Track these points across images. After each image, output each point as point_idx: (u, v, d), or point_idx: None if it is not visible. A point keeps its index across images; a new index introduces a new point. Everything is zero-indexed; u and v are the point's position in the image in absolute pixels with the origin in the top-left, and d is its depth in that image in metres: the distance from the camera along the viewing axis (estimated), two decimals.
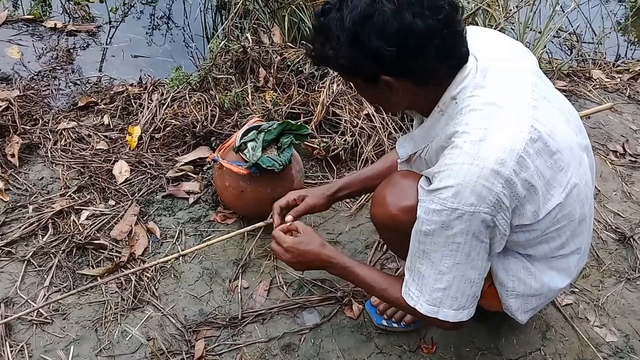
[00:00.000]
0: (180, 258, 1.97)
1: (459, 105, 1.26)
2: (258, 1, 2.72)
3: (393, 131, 2.38)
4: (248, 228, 1.94)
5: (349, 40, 1.18)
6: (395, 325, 1.81)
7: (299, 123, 2.01)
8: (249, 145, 1.92)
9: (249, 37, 2.53)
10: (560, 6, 3.13)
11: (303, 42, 1.31)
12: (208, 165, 2.29)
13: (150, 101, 2.63)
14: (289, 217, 1.67)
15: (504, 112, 1.24)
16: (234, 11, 2.71)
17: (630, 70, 3.16)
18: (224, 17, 3.35)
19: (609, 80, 3.04)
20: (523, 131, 1.22)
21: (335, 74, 2.43)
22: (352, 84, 1.36)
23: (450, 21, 1.19)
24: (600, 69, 3.14)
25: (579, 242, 1.43)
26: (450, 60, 1.25)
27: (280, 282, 1.94)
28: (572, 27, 3.38)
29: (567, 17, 3.23)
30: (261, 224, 1.91)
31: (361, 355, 1.76)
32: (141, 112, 2.60)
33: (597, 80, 3.02)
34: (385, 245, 2.04)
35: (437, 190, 1.23)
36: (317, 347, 1.78)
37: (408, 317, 1.80)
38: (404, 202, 1.37)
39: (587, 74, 3.07)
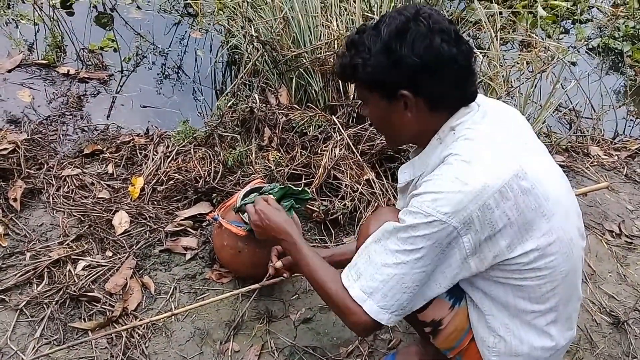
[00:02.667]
0: (173, 316, 1.96)
1: (456, 135, 1.36)
2: (267, 63, 2.80)
3: (392, 198, 2.40)
4: (243, 289, 1.95)
5: (381, 48, 1.31)
6: None
7: (300, 188, 2.03)
8: (249, 207, 1.94)
9: (257, 97, 2.58)
10: (561, 83, 3.21)
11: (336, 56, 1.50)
12: (207, 222, 2.30)
13: (155, 153, 2.68)
14: (279, 264, 1.78)
15: (497, 145, 1.34)
16: (244, 70, 2.78)
17: (628, 149, 3.22)
18: (233, 72, 3.45)
19: (607, 157, 3.09)
20: (512, 167, 1.30)
21: (339, 137, 2.48)
22: (366, 104, 1.45)
23: (469, 57, 1.35)
24: (598, 146, 3.20)
25: (558, 301, 1.42)
26: (461, 92, 1.37)
27: (272, 347, 1.93)
28: (572, 103, 3.46)
29: (567, 93, 3.31)
30: (256, 285, 1.92)
31: None
32: (145, 163, 2.64)
33: (595, 157, 3.07)
34: None
35: (420, 195, 1.31)
36: None
37: None
38: None
39: (585, 150, 3.13)
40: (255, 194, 2.01)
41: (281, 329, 1.99)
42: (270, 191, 2.00)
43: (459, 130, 1.36)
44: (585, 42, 4.21)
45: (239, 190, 2.33)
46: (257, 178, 2.15)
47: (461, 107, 1.38)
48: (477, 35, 3.86)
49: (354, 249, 1.56)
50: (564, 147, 3.08)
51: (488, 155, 1.31)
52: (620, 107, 3.65)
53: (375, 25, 1.36)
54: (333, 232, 2.32)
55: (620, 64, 4.12)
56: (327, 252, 1.82)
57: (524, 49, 3.73)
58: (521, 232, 1.31)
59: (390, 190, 2.41)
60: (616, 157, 3.10)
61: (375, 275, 1.35)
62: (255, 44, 2.78)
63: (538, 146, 1.47)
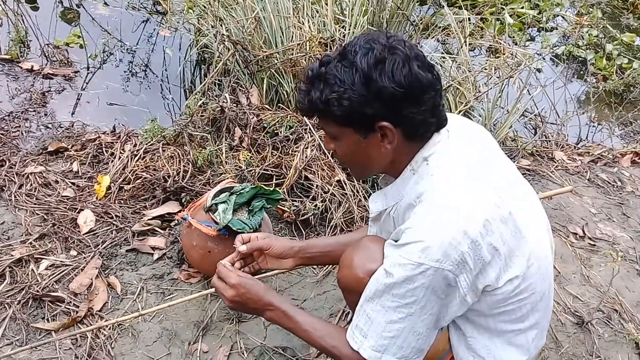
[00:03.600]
0: (140, 316, 1.92)
1: (430, 165, 1.33)
2: (239, 62, 2.78)
3: (363, 199, 2.41)
4: (212, 290, 1.92)
5: (362, 80, 1.25)
6: None
7: (271, 188, 2.02)
8: (220, 207, 1.92)
9: (227, 97, 2.56)
10: (527, 89, 3.28)
11: (297, 90, 1.36)
12: (176, 222, 2.27)
13: (122, 151, 2.63)
14: (242, 248, 1.63)
15: (472, 175, 1.32)
16: (214, 69, 2.75)
17: (591, 154, 3.30)
18: (203, 72, 3.41)
19: (571, 162, 3.17)
20: (490, 197, 1.30)
21: (311, 138, 2.48)
22: (335, 139, 1.37)
23: (439, 82, 1.32)
24: (562, 151, 3.28)
25: (538, 318, 1.45)
26: (436, 119, 1.33)
27: (241, 348, 1.91)
28: (537, 109, 3.53)
29: (532, 99, 3.38)
30: None
31: None
32: (112, 161, 2.59)
33: (559, 161, 3.14)
34: (349, 315, 2.03)
35: (405, 245, 1.27)
36: None
37: None
38: (370, 265, 1.38)
39: (550, 155, 3.20)
40: (226, 193, 1.99)
41: (251, 329, 1.97)
42: (241, 191, 1.99)
43: (432, 161, 1.33)
44: (551, 49, 4.31)
45: (208, 190, 2.31)
46: (228, 178, 2.13)
47: (434, 134, 1.35)
48: (446, 40, 3.90)
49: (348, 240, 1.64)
50: (529, 151, 3.14)
51: (466, 189, 1.30)
52: (583, 113, 3.74)
53: (341, 56, 1.28)
54: (304, 232, 2.31)
55: (583, 72, 4.22)
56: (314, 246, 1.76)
57: (492, 55, 3.79)
58: (506, 260, 1.30)
59: (361, 191, 2.42)
60: (579, 162, 3.18)
61: (384, 334, 1.33)
62: (226, 43, 2.76)
63: (505, 162, 1.46)
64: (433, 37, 3.67)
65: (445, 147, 1.34)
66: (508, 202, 1.33)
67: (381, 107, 1.26)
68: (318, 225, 2.34)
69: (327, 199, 2.35)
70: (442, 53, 3.39)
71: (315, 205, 2.31)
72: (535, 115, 3.52)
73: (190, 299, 1.90)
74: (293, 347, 1.92)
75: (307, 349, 1.93)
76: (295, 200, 2.35)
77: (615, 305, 2.27)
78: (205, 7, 3.26)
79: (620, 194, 2.96)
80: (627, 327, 2.18)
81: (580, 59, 4.31)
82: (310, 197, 2.37)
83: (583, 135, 3.60)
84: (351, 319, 1.93)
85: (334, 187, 2.37)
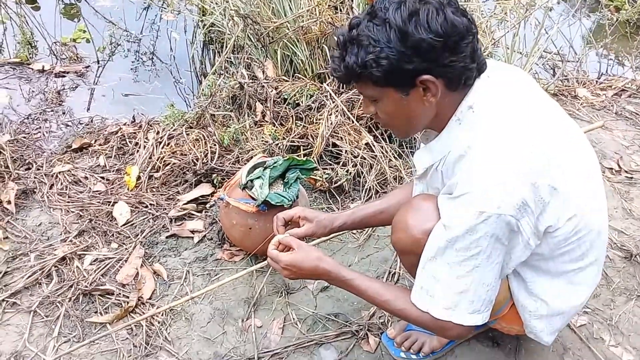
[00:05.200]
0: (190, 300, 1.93)
1: (476, 112, 1.30)
2: (250, 37, 2.73)
3: (393, 159, 2.39)
4: (257, 266, 1.93)
5: (397, 36, 1.20)
6: (413, 357, 1.79)
7: (304, 159, 2.00)
8: (256, 182, 1.91)
9: (245, 72, 2.53)
10: (544, 28, 3.20)
11: (331, 58, 1.31)
12: (212, 203, 2.27)
13: (146, 140, 2.62)
14: (284, 236, 1.63)
15: (522, 120, 1.29)
16: (227, 47, 2.71)
17: (614, 87, 3.24)
18: (212, 52, 3.38)
19: (595, 97, 3.11)
20: (543, 139, 1.28)
21: (333, 104, 2.45)
22: (376, 102, 1.33)
23: (474, 25, 1.27)
24: (584, 87, 3.21)
25: (597, 254, 1.44)
26: (476, 64, 1.29)
27: (294, 319, 1.92)
28: (556, 47, 3.45)
29: (550, 38, 3.30)
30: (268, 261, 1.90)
31: None
32: (137, 151, 2.58)
33: (583, 98, 3.08)
34: (395, 275, 2.03)
35: (463, 196, 1.25)
36: None
37: (426, 347, 1.79)
38: (426, 224, 1.37)
39: (573, 93, 3.14)
40: (260, 168, 1.98)
41: (301, 300, 1.98)
42: (274, 164, 1.97)
43: (478, 107, 1.30)
44: None
45: (239, 168, 2.30)
46: (258, 153, 2.12)
47: (476, 80, 1.31)
48: None
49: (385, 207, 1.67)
50: (552, 92, 3.08)
51: (518, 132, 1.27)
52: (600, 47, 3.66)
53: (370, 15, 1.24)
54: (339, 199, 2.30)
55: (595, 6, 4.12)
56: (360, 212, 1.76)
57: None
58: (565, 199, 1.28)
59: (391, 151, 2.40)
60: (604, 97, 3.12)
61: (453, 290, 1.32)
62: (235, 18, 2.71)
63: (547, 100, 1.42)
64: None
65: (489, 92, 1.31)
66: (559, 140, 1.32)
67: (421, 60, 1.22)
68: (352, 190, 2.33)
69: (357, 163, 2.33)
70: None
71: (347, 171, 2.29)
72: (554, 54, 3.44)
73: (237, 277, 1.91)
74: (345, 313, 1.93)
75: (358, 313, 1.93)
76: (326, 168, 2.33)
77: None
78: None
79: None
80: None
81: None
82: (341, 163, 2.35)
83: (603, 70, 3.53)
84: (398, 280, 1.95)
85: (363, 150, 2.35)
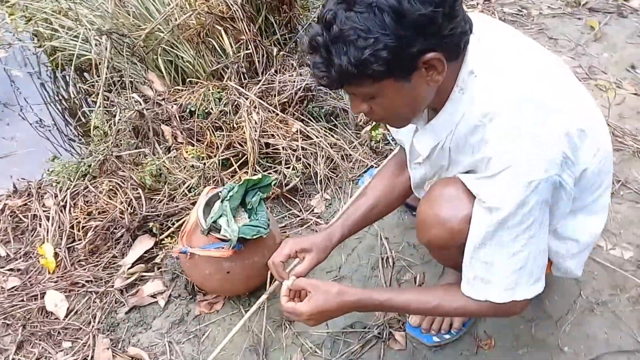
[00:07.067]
0: None
1: (479, 76, 1.19)
2: (121, 53, 2.34)
3: (331, 137, 2.21)
4: (253, 309, 1.70)
5: (392, 18, 1.03)
6: (447, 336, 1.70)
7: (258, 176, 1.76)
8: (221, 221, 1.65)
9: (136, 97, 2.18)
10: None
11: (310, 66, 1.10)
12: (171, 259, 1.95)
13: (45, 209, 2.21)
14: (292, 280, 1.45)
15: (527, 72, 1.21)
16: (99, 74, 2.31)
17: None
18: (67, 79, 2.90)
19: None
20: (554, 84, 1.21)
21: (247, 101, 2.19)
22: (373, 98, 1.17)
23: None
24: None
25: (610, 176, 1.42)
26: (467, 23, 1.16)
27: (311, 348, 1.74)
28: None
29: None
30: (264, 297, 1.69)
31: None
32: (40, 225, 2.17)
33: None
34: (389, 260, 1.91)
35: (504, 171, 1.15)
36: None
37: (456, 323, 1.70)
38: (461, 212, 1.26)
39: None
40: (217, 202, 1.72)
41: (307, 326, 1.79)
42: (231, 193, 1.72)
43: (479, 71, 1.18)
44: None
45: (176, 207, 2.01)
46: (208, 188, 1.83)
47: (468, 43, 1.18)
48: None
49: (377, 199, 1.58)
50: None
51: (530, 85, 1.18)
52: None
53: (347, 4, 1.05)
54: (296, 200, 2.10)
55: None
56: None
57: None
58: (590, 137, 1.22)
59: (323, 130, 2.21)
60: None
61: (509, 270, 1.23)
62: (95, 38, 2.31)
63: (531, 41, 1.35)
64: None
65: (483, 52, 1.20)
66: (561, 79, 1.26)
67: (423, 39, 1.07)
68: (305, 187, 2.13)
69: (300, 157, 2.12)
70: None
71: (294, 168, 2.08)
72: None
73: (235, 332, 1.65)
74: (359, 320, 1.77)
75: (372, 315, 1.78)
76: (271, 173, 2.10)
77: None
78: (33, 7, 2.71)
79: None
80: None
81: None
82: (283, 162, 2.12)
83: None
84: (394, 263, 1.83)
85: (300, 141, 2.15)
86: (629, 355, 1.65)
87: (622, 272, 1.83)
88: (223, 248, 1.66)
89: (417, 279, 1.86)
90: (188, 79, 2.39)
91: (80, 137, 2.59)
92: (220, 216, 1.67)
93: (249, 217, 1.74)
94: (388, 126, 1.61)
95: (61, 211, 2.16)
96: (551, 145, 1.14)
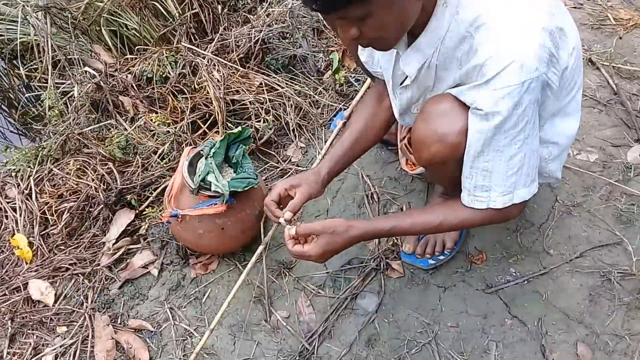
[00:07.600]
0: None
1: None
2: (63, 28, 2.22)
3: (297, 86, 2.21)
4: (252, 260, 1.69)
5: None
6: (441, 257, 1.77)
7: (237, 130, 1.74)
8: (209, 178, 1.64)
9: (91, 70, 2.09)
10: None
11: None
12: (149, 227, 1.92)
13: (8, 199, 2.11)
14: (288, 215, 1.44)
15: None
16: (46, 53, 2.19)
17: None
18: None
19: None
20: None
21: (204, 59, 2.14)
22: (364, 19, 1.15)
23: None
24: None
25: (581, 76, 1.46)
26: None
27: (314, 290, 1.76)
28: None
29: None
30: (261, 248, 1.68)
31: (434, 302, 1.70)
32: (7, 216, 2.07)
33: None
34: (374, 195, 1.94)
35: (497, 75, 1.18)
36: (394, 322, 1.68)
37: (448, 243, 1.77)
38: (458, 124, 1.28)
39: None
40: (201, 161, 1.69)
41: (306, 269, 1.81)
42: (212, 149, 1.70)
43: None
44: None
45: (152, 176, 1.97)
46: (187, 148, 1.79)
47: None
48: None
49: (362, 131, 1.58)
50: None
51: None
52: None
53: None
54: (273, 152, 2.09)
55: None
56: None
57: None
58: (568, 35, 1.26)
59: (288, 81, 2.20)
60: None
61: (508, 174, 1.28)
62: (34, 16, 2.18)
63: None
64: None
65: None
66: None
67: None
68: (282, 137, 2.12)
69: (269, 109, 2.11)
70: None
71: (265, 121, 2.07)
72: None
73: (236, 289, 1.63)
74: (355, 256, 1.81)
75: (366, 249, 1.82)
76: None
77: None
78: None
79: None
80: None
81: None
82: (252, 117, 2.11)
83: None
84: (379, 198, 1.86)
85: (265, 93, 2.13)
86: (610, 247, 1.77)
87: (590, 174, 1.93)
88: (216, 204, 1.64)
89: (404, 209, 1.90)
90: (136, 47, 2.31)
91: (29, 124, 2.47)
92: (208, 173, 1.65)
93: (235, 171, 1.72)
94: (362, 60, 1.61)
95: (27, 199, 2.07)
96: (539, 44, 1.18)
